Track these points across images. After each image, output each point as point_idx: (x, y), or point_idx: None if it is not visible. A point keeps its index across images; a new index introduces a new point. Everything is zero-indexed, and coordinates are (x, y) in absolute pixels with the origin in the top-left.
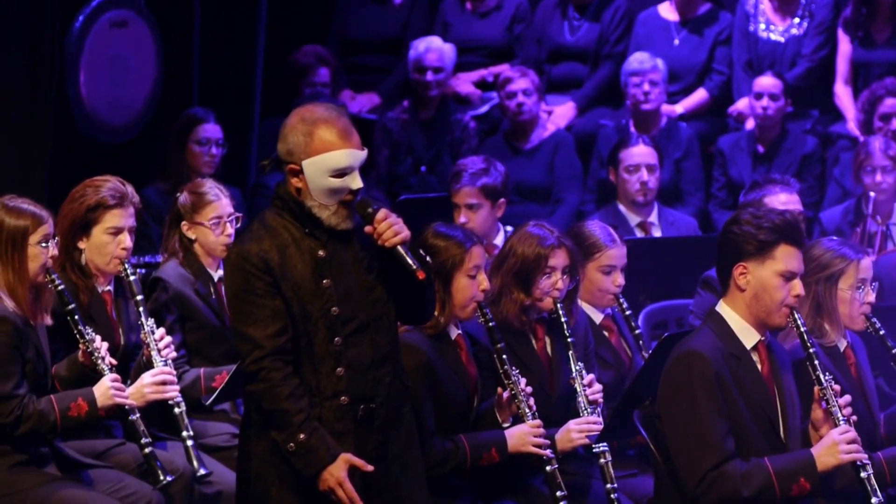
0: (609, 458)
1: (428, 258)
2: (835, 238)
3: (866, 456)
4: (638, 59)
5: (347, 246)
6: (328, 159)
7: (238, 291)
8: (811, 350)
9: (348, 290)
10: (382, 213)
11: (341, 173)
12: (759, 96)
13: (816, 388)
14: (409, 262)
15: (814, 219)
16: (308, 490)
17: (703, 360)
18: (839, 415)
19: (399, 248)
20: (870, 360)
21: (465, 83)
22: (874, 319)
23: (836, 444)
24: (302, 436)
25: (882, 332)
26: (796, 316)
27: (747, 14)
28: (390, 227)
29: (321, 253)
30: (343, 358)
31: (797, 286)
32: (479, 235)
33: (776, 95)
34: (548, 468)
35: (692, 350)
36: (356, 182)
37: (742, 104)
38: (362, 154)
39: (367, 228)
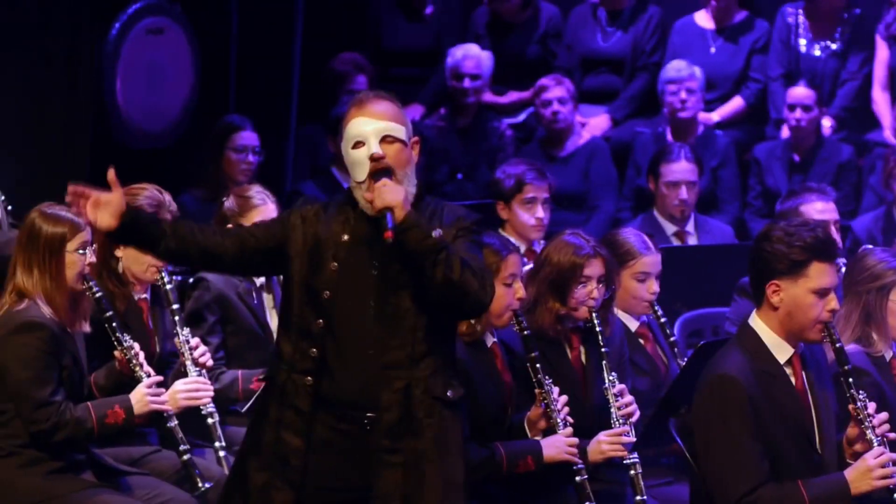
0: (639, 469)
1: (438, 231)
2: (889, 249)
3: None
4: (675, 67)
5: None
6: (346, 131)
7: None
8: (847, 367)
9: (356, 284)
10: (384, 180)
11: (358, 143)
12: (792, 108)
13: (851, 406)
14: (384, 223)
15: (846, 227)
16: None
17: (736, 383)
18: (872, 436)
19: (387, 213)
20: None
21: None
22: None
23: (870, 470)
24: None
25: None
26: (832, 331)
27: (788, 26)
28: (379, 190)
29: (345, 237)
30: (322, 341)
31: (832, 301)
32: (514, 244)
33: (809, 106)
34: (577, 479)
35: (724, 374)
36: (371, 148)
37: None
38: (379, 123)
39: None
